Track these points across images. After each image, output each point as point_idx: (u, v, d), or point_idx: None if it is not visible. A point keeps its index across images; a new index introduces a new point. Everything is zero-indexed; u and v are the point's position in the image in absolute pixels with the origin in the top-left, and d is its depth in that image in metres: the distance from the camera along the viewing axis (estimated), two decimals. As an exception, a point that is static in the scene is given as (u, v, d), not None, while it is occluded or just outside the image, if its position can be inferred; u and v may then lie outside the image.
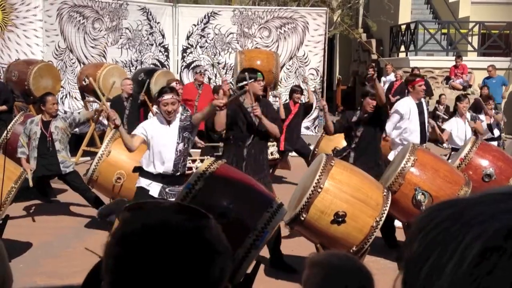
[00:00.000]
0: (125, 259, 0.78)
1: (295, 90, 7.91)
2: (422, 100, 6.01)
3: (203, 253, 0.78)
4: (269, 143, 6.66)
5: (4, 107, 7.60)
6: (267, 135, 4.70)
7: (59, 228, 5.87)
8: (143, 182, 4.38)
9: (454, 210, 0.50)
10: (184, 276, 0.76)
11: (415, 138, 5.71)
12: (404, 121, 5.81)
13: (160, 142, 4.32)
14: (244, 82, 4.60)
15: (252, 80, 4.57)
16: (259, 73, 4.67)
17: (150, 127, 4.38)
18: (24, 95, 8.53)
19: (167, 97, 4.30)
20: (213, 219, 0.84)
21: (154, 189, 4.34)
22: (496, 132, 7.43)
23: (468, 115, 6.86)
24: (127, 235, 0.79)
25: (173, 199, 4.30)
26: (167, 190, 4.33)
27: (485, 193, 0.51)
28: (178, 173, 4.37)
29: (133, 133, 4.42)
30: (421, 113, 5.87)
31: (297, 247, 4.92)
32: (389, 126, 5.77)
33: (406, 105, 5.87)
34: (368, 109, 5.20)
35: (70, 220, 6.18)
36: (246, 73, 4.68)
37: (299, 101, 7.81)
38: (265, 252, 4.58)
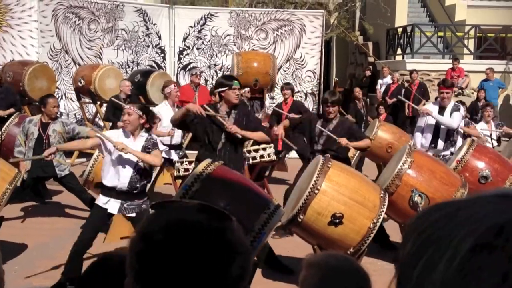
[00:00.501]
0: (148, 255, 0.79)
1: (283, 87, 7.85)
2: (449, 106, 6.04)
3: (225, 253, 0.80)
4: (266, 145, 6.64)
5: (12, 110, 7.55)
6: (239, 140, 4.61)
7: (54, 229, 5.84)
8: (101, 200, 4.31)
9: (448, 211, 0.51)
10: (205, 275, 0.78)
11: (426, 139, 5.98)
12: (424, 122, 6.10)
13: (120, 156, 4.22)
14: (220, 89, 4.58)
15: (227, 88, 4.51)
16: (236, 81, 4.60)
17: (114, 136, 4.30)
18: (19, 96, 8.50)
19: (126, 106, 4.36)
20: (235, 221, 0.86)
21: (113, 206, 4.27)
22: (495, 142, 7.40)
23: (462, 122, 6.86)
24: (151, 232, 0.81)
25: (133, 214, 4.28)
26: (125, 205, 4.27)
27: (478, 195, 0.53)
28: (135, 191, 4.29)
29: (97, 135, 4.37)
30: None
31: (294, 248, 4.90)
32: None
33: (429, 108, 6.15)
34: (328, 117, 5.04)
35: (65, 221, 6.14)
36: (222, 80, 4.65)
37: (288, 97, 7.69)
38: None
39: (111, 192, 4.26)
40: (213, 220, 0.82)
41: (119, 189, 4.24)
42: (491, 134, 7.02)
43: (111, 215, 4.39)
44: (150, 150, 4.29)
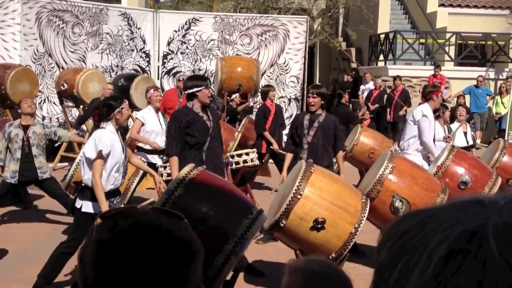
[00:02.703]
0: (106, 262, 0.79)
1: (270, 89, 7.87)
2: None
3: (184, 252, 0.82)
4: (249, 150, 6.67)
5: None
6: (221, 140, 4.86)
7: (35, 234, 5.79)
8: (92, 206, 4.13)
9: (422, 217, 0.51)
10: (166, 276, 0.79)
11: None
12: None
13: (116, 155, 4.18)
14: (195, 89, 4.62)
15: (203, 87, 4.62)
16: (208, 80, 4.82)
17: (109, 141, 4.11)
18: (0, 99, 8.41)
19: (126, 102, 4.30)
20: (186, 221, 0.87)
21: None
22: (470, 140, 7.56)
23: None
24: (107, 239, 0.81)
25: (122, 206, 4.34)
26: (114, 202, 4.26)
27: (451, 202, 0.52)
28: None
29: (104, 153, 4.08)
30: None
31: (276, 253, 4.93)
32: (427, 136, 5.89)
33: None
34: (310, 108, 5.22)
35: (46, 226, 6.09)
36: (196, 81, 4.75)
37: (274, 99, 7.73)
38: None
39: (106, 195, 4.19)
40: (169, 220, 0.84)
41: (115, 188, 4.25)
42: (465, 133, 7.18)
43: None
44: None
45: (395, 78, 12.39)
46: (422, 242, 0.48)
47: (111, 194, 4.24)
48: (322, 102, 5.21)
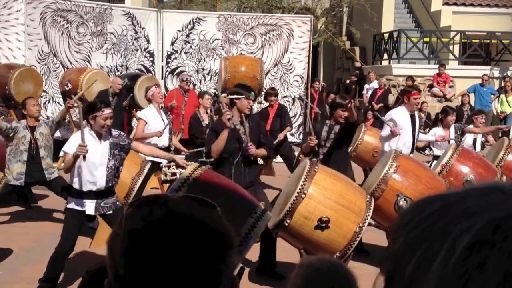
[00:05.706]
0: (137, 253, 0.77)
1: (269, 93, 7.91)
2: (416, 113, 6.15)
3: (220, 245, 0.80)
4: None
5: None
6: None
7: (39, 234, 5.80)
8: (74, 204, 4.26)
9: (441, 204, 0.49)
10: (200, 269, 0.77)
11: (406, 149, 5.80)
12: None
13: (91, 160, 4.17)
14: (236, 96, 4.63)
15: (243, 96, 4.62)
16: (252, 93, 4.77)
17: (86, 139, 4.15)
18: (4, 99, 8.43)
19: (107, 111, 4.17)
20: (219, 210, 0.85)
21: (89, 207, 4.27)
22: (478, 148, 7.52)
23: (452, 127, 6.93)
24: (139, 229, 0.78)
25: (110, 211, 4.32)
26: (101, 204, 4.27)
27: (471, 187, 0.51)
28: (112, 189, 4.32)
29: (65, 152, 4.21)
30: (413, 125, 5.99)
31: (281, 253, 4.92)
32: (385, 133, 5.97)
33: (401, 115, 5.99)
34: (340, 120, 5.24)
35: (51, 226, 6.10)
36: (239, 89, 4.73)
37: (274, 102, 7.74)
38: (250, 256, 4.58)
39: (85, 194, 4.25)
40: (203, 210, 0.82)
41: (97, 189, 4.25)
42: (475, 139, 7.14)
43: (88, 216, 4.37)
44: (124, 145, 4.29)
45: (407, 78, 12.41)
46: (443, 230, 0.47)
47: (93, 195, 4.25)
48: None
